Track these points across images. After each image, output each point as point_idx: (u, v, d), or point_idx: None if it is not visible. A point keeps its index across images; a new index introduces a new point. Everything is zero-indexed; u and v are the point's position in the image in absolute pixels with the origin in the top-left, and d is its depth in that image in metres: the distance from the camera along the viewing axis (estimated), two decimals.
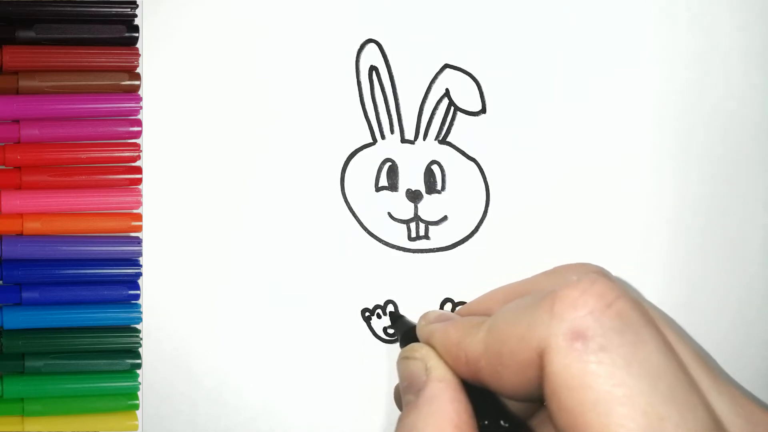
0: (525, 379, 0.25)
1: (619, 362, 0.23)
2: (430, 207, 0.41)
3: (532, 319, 0.24)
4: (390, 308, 0.41)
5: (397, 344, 0.41)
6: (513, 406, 0.28)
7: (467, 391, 0.27)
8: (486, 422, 0.27)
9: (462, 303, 0.41)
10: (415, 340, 0.31)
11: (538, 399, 0.25)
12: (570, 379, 0.23)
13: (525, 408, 0.29)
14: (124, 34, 0.40)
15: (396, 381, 0.39)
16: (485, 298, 0.31)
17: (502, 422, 0.28)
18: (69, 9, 0.40)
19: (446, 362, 0.28)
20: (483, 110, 0.42)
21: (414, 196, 0.41)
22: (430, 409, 0.26)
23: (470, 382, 0.27)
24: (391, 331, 0.41)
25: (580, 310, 0.24)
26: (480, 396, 0.27)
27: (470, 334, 0.27)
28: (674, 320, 0.26)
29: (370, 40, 0.41)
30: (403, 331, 0.34)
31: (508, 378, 0.25)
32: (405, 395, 0.29)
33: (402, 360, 0.30)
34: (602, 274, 0.26)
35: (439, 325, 0.29)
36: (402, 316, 0.38)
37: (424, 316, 0.31)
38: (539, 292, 0.25)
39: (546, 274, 0.29)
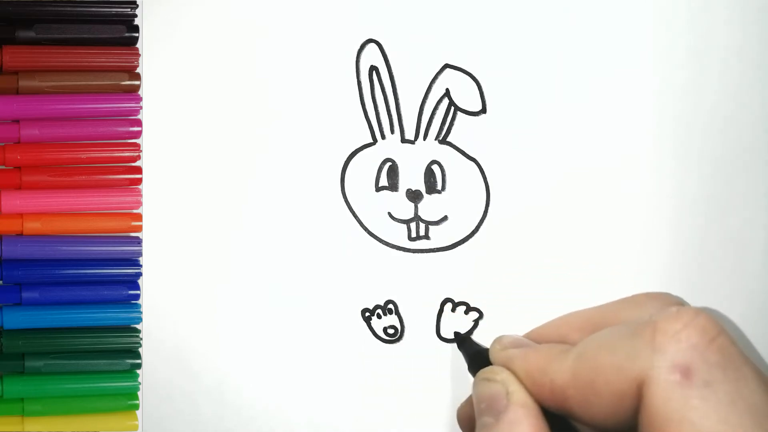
0: (617, 410, 0.25)
1: (724, 399, 0.23)
2: (430, 207, 0.41)
3: (632, 349, 0.24)
4: (456, 329, 0.41)
5: (397, 345, 0.41)
6: None
7: (546, 418, 0.27)
8: None
9: (462, 303, 0.41)
10: (486, 362, 0.31)
11: (625, 430, 0.25)
12: (672, 412, 0.23)
13: None
14: (124, 34, 0.40)
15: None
16: (557, 324, 0.31)
17: None
18: (69, 9, 0.39)
19: (527, 388, 0.28)
20: (483, 110, 0.42)
21: (414, 196, 0.41)
22: None
23: (551, 409, 0.27)
24: (391, 331, 0.41)
25: (684, 344, 0.24)
26: (557, 424, 0.27)
27: (556, 361, 0.27)
28: (758, 353, 0.27)
29: (370, 40, 0.41)
30: (472, 354, 0.34)
31: (598, 407, 0.25)
32: (482, 417, 0.28)
33: (481, 381, 0.30)
34: (684, 305, 0.26)
35: (519, 351, 0.29)
36: (468, 337, 0.38)
37: (498, 341, 0.31)
38: (635, 322, 0.25)
39: (624, 303, 0.29)
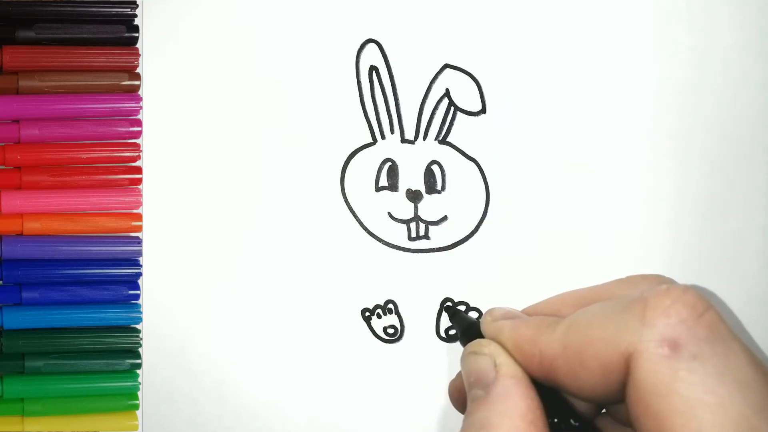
0: (605, 382, 0.25)
1: (711, 371, 0.23)
2: (430, 207, 0.41)
3: (621, 323, 0.24)
4: (447, 303, 0.41)
5: (397, 344, 0.41)
6: (579, 406, 0.28)
7: (536, 388, 0.27)
8: (555, 420, 0.27)
9: (462, 303, 0.41)
10: (478, 336, 0.31)
11: (612, 401, 0.25)
12: (659, 385, 0.23)
13: (589, 409, 0.29)
14: (124, 34, 0.40)
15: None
16: (552, 301, 0.31)
17: (572, 421, 0.27)
18: (69, 9, 0.39)
19: (516, 359, 0.28)
20: (483, 110, 0.42)
21: (414, 196, 0.41)
22: (502, 405, 0.26)
23: (539, 380, 0.27)
24: (391, 331, 0.41)
25: (673, 318, 0.24)
26: (547, 394, 0.27)
27: (545, 333, 0.27)
28: (748, 333, 0.27)
29: (370, 40, 0.41)
30: (464, 327, 0.34)
31: (586, 379, 0.25)
32: (472, 390, 0.28)
33: (469, 355, 0.30)
34: (679, 284, 0.27)
35: (509, 322, 0.29)
36: (459, 311, 0.38)
37: (489, 312, 0.31)
38: (625, 297, 0.25)
39: (619, 282, 0.29)
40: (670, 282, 0.27)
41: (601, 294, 0.29)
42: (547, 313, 0.30)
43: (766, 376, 0.24)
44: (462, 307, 0.41)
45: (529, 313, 0.31)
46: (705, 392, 0.23)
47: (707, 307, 0.24)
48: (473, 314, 0.41)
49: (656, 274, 0.28)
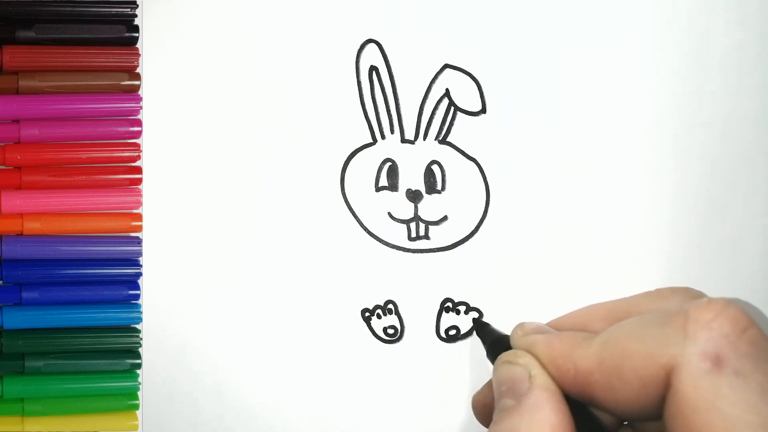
0: (643, 396, 0.25)
1: (755, 389, 0.23)
2: (430, 207, 0.41)
3: (662, 336, 0.24)
4: (473, 315, 0.41)
5: (397, 345, 0.41)
6: (608, 422, 0.28)
7: (568, 403, 0.27)
8: None
9: (462, 303, 0.41)
10: (507, 348, 0.31)
11: (648, 417, 0.25)
12: (701, 401, 0.23)
13: (612, 422, 0.29)
14: (124, 34, 0.40)
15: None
16: (579, 314, 0.31)
17: None
18: (69, 9, 0.39)
19: (549, 373, 0.28)
20: (483, 110, 0.42)
21: (414, 196, 0.41)
22: (534, 416, 0.26)
23: (573, 395, 0.27)
24: (391, 331, 0.41)
25: (715, 332, 0.24)
26: (578, 410, 0.27)
27: (580, 347, 0.27)
28: None
29: (370, 40, 0.41)
30: (492, 340, 0.34)
31: (623, 393, 0.25)
32: (502, 399, 0.28)
33: (503, 364, 0.29)
34: (721, 298, 0.26)
35: (542, 337, 0.29)
36: (487, 324, 0.38)
37: (520, 327, 0.31)
38: (664, 311, 0.25)
39: (648, 295, 0.29)
40: (701, 295, 0.27)
41: (630, 307, 0.29)
42: (576, 326, 0.30)
43: None
44: (485, 319, 0.41)
45: (557, 326, 0.31)
46: (747, 411, 0.22)
47: (750, 323, 0.24)
48: (473, 313, 0.41)
49: (685, 287, 0.28)
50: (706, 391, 0.23)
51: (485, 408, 0.31)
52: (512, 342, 0.30)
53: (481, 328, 0.36)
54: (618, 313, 0.28)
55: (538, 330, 0.30)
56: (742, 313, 0.24)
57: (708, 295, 0.27)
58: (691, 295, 0.27)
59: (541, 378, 0.27)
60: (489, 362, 0.32)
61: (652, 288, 0.30)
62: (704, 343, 0.23)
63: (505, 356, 0.30)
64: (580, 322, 0.30)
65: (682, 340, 0.24)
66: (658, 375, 0.24)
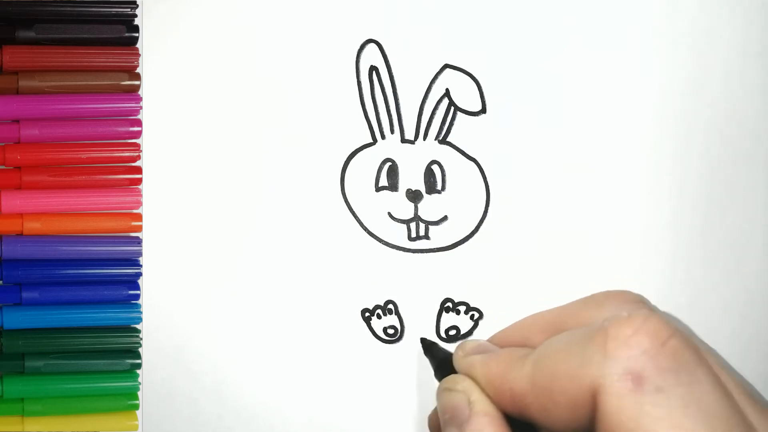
0: (576, 416, 0.25)
1: (676, 404, 0.23)
2: (430, 207, 0.41)
3: (584, 357, 0.24)
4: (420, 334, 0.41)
5: (397, 345, 0.41)
6: None
7: (510, 424, 0.27)
8: None
9: (462, 303, 0.41)
10: (451, 370, 0.31)
11: None
12: (626, 421, 0.23)
13: None
14: (124, 34, 0.40)
15: (426, 407, 0.39)
16: (520, 326, 0.31)
17: None
18: (69, 9, 0.39)
19: (489, 395, 0.28)
20: (483, 110, 0.42)
21: (414, 196, 0.41)
22: None
23: (513, 416, 0.27)
24: (391, 331, 0.41)
25: (635, 350, 0.23)
26: (523, 429, 0.27)
27: (514, 369, 0.27)
28: (714, 350, 0.26)
29: (370, 40, 0.41)
30: (438, 361, 0.34)
31: (557, 415, 0.25)
32: (447, 427, 0.28)
33: (443, 391, 0.30)
34: (645, 306, 0.26)
35: (480, 357, 0.29)
36: (434, 344, 0.38)
37: (461, 347, 0.31)
38: (589, 328, 0.25)
39: (584, 303, 0.29)
40: (637, 302, 0.27)
41: (566, 318, 0.29)
42: (517, 341, 0.30)
43: (732, 401, 0.23)
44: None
45: (498, 341, 0.31)
46: (671, 426, 0.22)
47: (671, 334, 0.24)
48: (473, 313, 0.41)
49: (623, 290, 0.28)
50: (630, 410, 0.23)
51: (440, 429, 0.31)
52: (454, 363, 0.30)
53: (427, 348, 0.36)
54: (556, 324, 0.28)
55: (478, 349, 0.30)
56: (663, 325, 0.24)
57: (645, 299, 0.27)
58: (626, 299, 0.27)
59: (479, 404, 0.28)
60: None
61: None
62: (624, 362, 0.23)
63: (444, 383, 0.30)
64: (520, 335, 0.30)
65: (602, 360, 0.24)
66: (584, 396, 0.24)
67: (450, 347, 0.42)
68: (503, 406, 0.27)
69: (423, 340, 0.40)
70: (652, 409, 0.23)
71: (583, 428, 0.25)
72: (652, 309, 0.26)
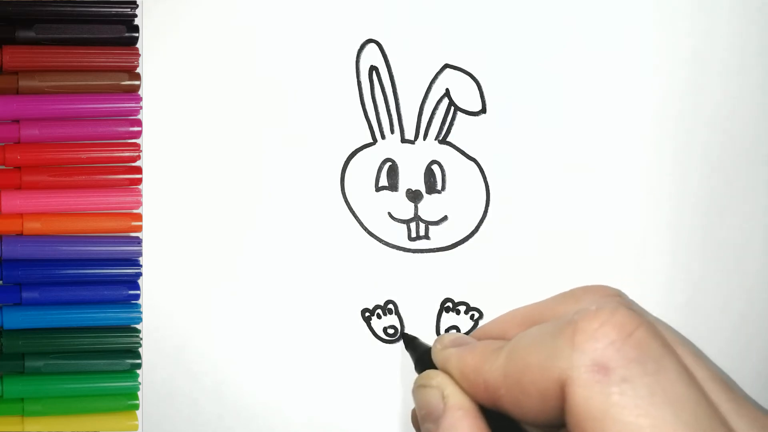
0: (547, 408, 0.25)
1: (642, 393, 0.23)
2: (430, 207, 0.41)
3: (553, 349, 0.25)
4: (398, 325, 0.41)
5: (397, 345, 0.41)
6: (532, 431, 0.29)
7: (486, 416, 0.28)
8: None
9: (462, 303, 0.41)
10: (431, 364, 0.31)
11: (560, 425, 0.25)
12: (594, 411, 0.23)
13: None
14: (124, 34, 0.40)
15: (409, 402, 0.39)
16: (500, 320, 0.31)
17: None
18: (69, 9, 0.40)
19: (464, 388, 0.28)
20: (483, 110, 0.42)
21: (414, 196, 0.41)
22: None
23: (489, 408, 0.27)
24: (391, 331, 0.41)
25: (601, 342, 0.24)
26: (499, 421, 0.27)
27: (488, 361, 0.27)
28: (690, 341, 0.27)
29: (370, 40, 0.41)
30: (417, 356, 0.34)
31: (529, 406, 0.25)
32: (424, 424, 0.29)
33: (418, 388, 0.30)
34: (620, 299, 0.27)
35: (455, 350, 0.29)
36: (415, 338, 0.38)
37: (439, 340, 0.31)
38: (558, 321, 0.25)
39: (562, 297, 0.29)
40: (616, 295, 0.27)
41: (544, 312, 0.29)
42: (495, 334, 0.30)
43: (699, 389, 0.24)
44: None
45: (478, 335, 0.31)
46: (638, 415, 0.23)
47: (637, 325, 0.24)
48: (473, 313, 0.41)
49: (601, 285, 0.28)
50: (597, 401, 0.23)
51: None
52: (432, 356, 0.31)
53: (409, 342, 0.36)
54: (533, 318, 0.29)
55: (456, 342, 0.30)
56: (630, 316, 0.24)
57: (623, 294, 0.27)
58: (603, 293, 0.27)
59: (453, 398, 0.28)
60: None
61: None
62: (591, 354, 0.24)
63: (418, 380, 0.30)
64: (499, 329, 0.30)
65: (570, 352, 0.24)
66: (553, 388, 0.24)
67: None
68: (478, 399, 0.27)
69: (404, 335, 0.40)
70: (618, 398, 0.23)
71: (554, 419, 0.25)
72: (625, 302, 0.26)
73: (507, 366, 0.26)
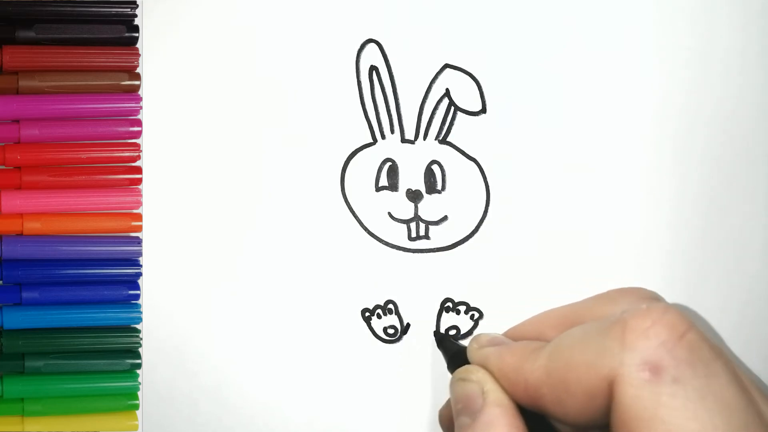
0: (591, 407, 0.25)
1: (693, 395, 0.23)
2: (430, 207, 0.41)
3: (602, 347, 0.24)
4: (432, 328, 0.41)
5: (397, 345, 0.41)
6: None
7: (523, 416, 0.27)
8: None
9: (462, 303, 0.41)
10: (465, 362, 0.31)
11: (600, 427, 0.25)
12: (642, 410, 0.23)
13: None
14: (124, 34, 0.40)
15: (438, 403, 0.39)
16: (534, 321, 0.31)
17: None
18: (69, 9, 0.39)
19: (502, 387, 0.28)
20: (483, 110, 0.42)
21: (414, 196, 0.41)
22: None
23: (527, 407, 0.27)
24: (391, 331, 0.41)
25: (653, 341, 0.24)
26: (534, 422, 0.27)
27: (529, 360, 0.27)
28: (727, 347, 0.27)
29: (370, 40, 0.41)
30: (452, 353, 0.34)
31: (572, 405, 0.25)
32: (459, 417, 0.29)
33: (457, 381, 0.30)
34: (659, 300, 0.26)
35: (494, 349, 0.29)
36: (447, 337, 0.38)
37: (475, 339, 0.31)
38: (605, 320, 0.25)
39: (599, 299, 0.29)
40: (653, 297, 0.27)
41: (581, 313, 0.29)
42: (531, 335, 0.30)
43: (748, 395, 0.24)
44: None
45: (512, 335, 0.31)
46: (687, 417, 0.22)
47: (688, 327, 0.24)
48: (473, 313, 0.41)
49: (637, 287, 0.28)
50: (647, 400, 0.23)
51: (451, 423, 0.31)
52: (468, 355, 0.31)
53: (440, 341, 0.36)
54: (570, 319, 0.29)
55: (493, 342, 0.30)
56: (680, 318, 0.24)
57: (659, 296, 0.27)
58: (640, 296, 0.27)
59: (493, 394, 0.28)
60: None
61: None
62: (642, 353, 0.24)
63: (458, 373, 0.30)
64: (534, 330, 0.30)
65: (620, 351, 0.24)
66: (600, 386, 0.24)
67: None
68: (517, 398, 0.27)
69: (436, 333, 0.40)
70: (669, 399, 0.23)
71: (597, 419, 0.25)
72: (667, 303, 0.26)
73: (550, 365, 0.26)
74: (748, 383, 0.25)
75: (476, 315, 0.41)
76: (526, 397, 0.27)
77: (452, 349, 0.35)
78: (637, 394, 0.23)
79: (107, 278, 0.41)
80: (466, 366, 0.30)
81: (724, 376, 0.23)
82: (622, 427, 0.24)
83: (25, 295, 0.40)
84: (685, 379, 0.23)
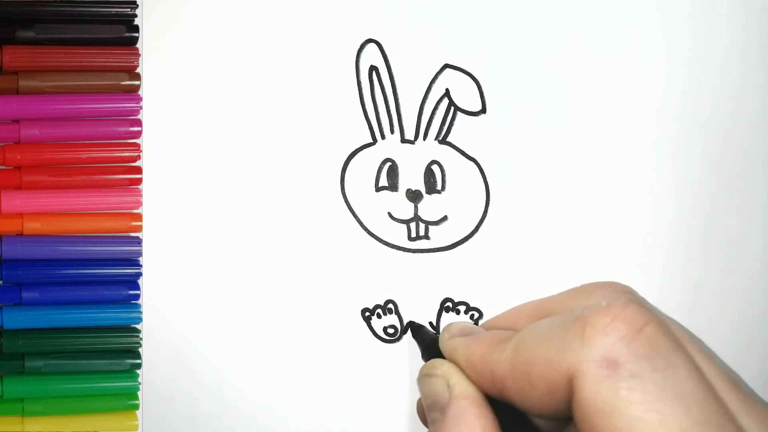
0: (554, 400, 0.25)
1: (651, 388, 0.23)
2: (430, 207, 0.41)
3: (563, 343, 0.25)
4: (397, 315, 0.41)
5: (397, 344, 0.41)
6: (538, 421, 0.29)
7: (492, 405, 0.27)
8: None
9: (462, 303, 0.41)
10: (438, 353, 0.31)
11: (566, 418, 0.25)
12: (601, 405, 0.23)
13: (550, 424, 0.29)
14: (124, 34, 0.40)
15: (414, 395, 0.39)
16: (511, 313, 0.31)
17: None
18: (69, 9, 0.40)
19: (470, 377, 0.28)
20: (483, 110, 0.42)
21: (414, 196, 0.41)
22: (458, 427, 0.27)
23: (495, 397, 0.27)
24: (391, 331, 0.41)
25: (611, 337, 0.24)
26: (505, 411, 0.27)
27: (495, 352, 0.27)
28: (700, 339, 0.27)
29: (370, 40, 0.41)
30: (425, 345, 0.34)
31: (536, 398, 0.25)
32: (430, 413, 0.29)
33: (423, 377, 0.30)
34: (631, 296, 0.27)
35: (462, 340, 0.29)
36: (422, 327, 0.38)
37: (447, 329, 0.31)
38: (569, 315, 0.25)
39: (574, 292, 0.29)
40: (624, 292, 0.27)
41: (554, 306, 0.29)
42: (505, 326, 0.30)
43: (708, 387, 0.24)
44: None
45: (489, 326, 0.31)
46: (646, 410, 0.23)
47: (647, 321, 0.24)
48: (473, 313, 0.41)
49: (611, 281, 0.28)
50: (606, 395, 0.23)
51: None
52: (440, 345, 0.31)
53: (415, 331, 0.36)
54: (543, 311, 0.29)
55: (463, 332, 0.30)
56: (641, 312, 0.24)
57: (633, 290, 0.27)
58: (614, 290, 0.27)
59: (459, 387, 0.28)
60: None
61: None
62: (601, 349, 0.24)
63: (423, 369, 0.30)
64: (508, 321, 0.30)
65: (580, 347, 0.24)
66: (561, 381, 0.24)
67: None
68: (485, 388, 0.27)
69: (411, 323, 0.40)
70: (627, 393, 0.23)
71: (560, 412, 0.25)
72: (635, 299, 0.26)
73: (514, 357, 0.26)
74: (717, 375, 0.25)
75: (476, 315, 0.41)
76: (493, 388, 0.27)
77: (426, 340, 0.35)
78: (596, 389, 0.23)
79: (107, 278, 0.41)
80: (432, 360, 0.30)
81: (683, 368, 0.24)
82: (584, 421, 0.24)
83: (25, 295, 0.40)
84: (643, 373, 0.23)
